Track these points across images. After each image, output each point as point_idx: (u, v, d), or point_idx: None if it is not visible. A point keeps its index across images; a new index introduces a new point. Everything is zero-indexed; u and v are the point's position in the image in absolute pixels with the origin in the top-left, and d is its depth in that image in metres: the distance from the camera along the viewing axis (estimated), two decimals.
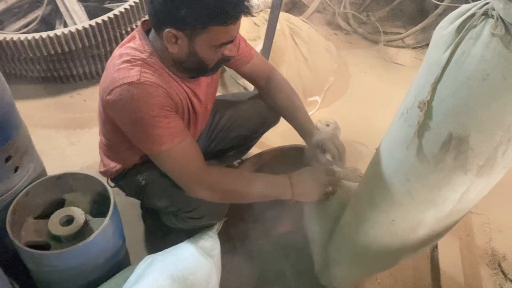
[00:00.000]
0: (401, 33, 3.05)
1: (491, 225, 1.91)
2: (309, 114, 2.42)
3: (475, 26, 0.79)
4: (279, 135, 2.14)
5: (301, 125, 1.47)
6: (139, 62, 1.11)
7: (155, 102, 1.08)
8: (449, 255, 1.69)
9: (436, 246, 1.74)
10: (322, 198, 1.29)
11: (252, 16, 2.73)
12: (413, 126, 0.95)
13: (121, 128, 1.16)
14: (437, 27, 0.90)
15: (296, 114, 1.49)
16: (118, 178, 1.43)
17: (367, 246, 1.24)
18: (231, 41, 1.11)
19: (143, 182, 1.33)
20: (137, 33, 1.17)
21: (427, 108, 0.91)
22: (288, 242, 1.63)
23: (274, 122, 1.64)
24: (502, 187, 2.05)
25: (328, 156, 1.41)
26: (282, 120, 1.69)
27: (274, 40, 2.37)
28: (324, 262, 1.43)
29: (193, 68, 1.16)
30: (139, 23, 2.37)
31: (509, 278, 1.71)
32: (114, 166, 1.39)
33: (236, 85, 2.39)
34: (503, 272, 1.73)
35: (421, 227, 1.13)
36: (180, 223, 1.35)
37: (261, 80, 1.49)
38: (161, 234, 1.59)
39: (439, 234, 1.22)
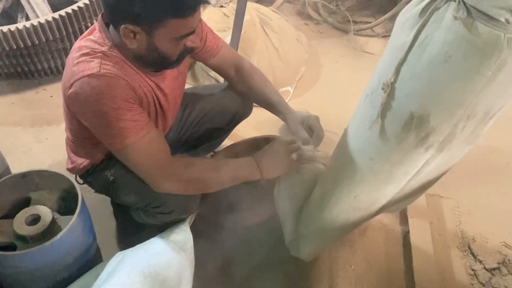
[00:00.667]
0: (371, 22, 3.08)
1: (460, 209, 1.95)
2: (285, 101, 2.45)
3: (438, 9, 0.80)
4: (252, 127, 2.13)
5: (279, 106, 1.47)
6: (99, 54, 1.08)
7: (117, 94, 1.05)
8: (420, 240, 1.72)
9: (408, 231, 1.77)
10: (290, 168, 1.30)
11: (222, 6, 2.70)
12: (377, 108, 0.98)
13: (84, 122, 1.13)
14: (402, 11, 0.91)
15: (272, 96, 1.49)
16: (86, 175, 1.39)
17: (331, 221, 1.28)
18: (192, 32, 1.09)
19: (111, 178, 1.30)
20: (97, 25, 1.14)
21: (390, 89, 0.93)
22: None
23: (246, 113, 1.62)
24: (470, 171, 2.11)
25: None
26: (254, 111, 1.68)
27: (244, 31, 2.36)
28: (294, 236, 1.45)
29: (155, 62, 1.13)
30: None
31: (478, 259, 1.75)
32: (81, 162, 1.35)
33: (208, 77, 2.36)
34: (472, 254, 1.77)
35: (380, 200, 1.18)
36: (150, 219, 1.33)
37: (230, 71, 1.47)
38: (133, 231, 1.56)
39: (397, 202, 1.26)
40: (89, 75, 1.04)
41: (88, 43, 1.10)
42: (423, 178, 1.12)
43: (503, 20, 0.70)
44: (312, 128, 1.40)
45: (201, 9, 2.61)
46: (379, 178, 1.08)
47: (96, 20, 2.32)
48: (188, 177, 1.19)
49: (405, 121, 0.91)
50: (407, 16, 0.88)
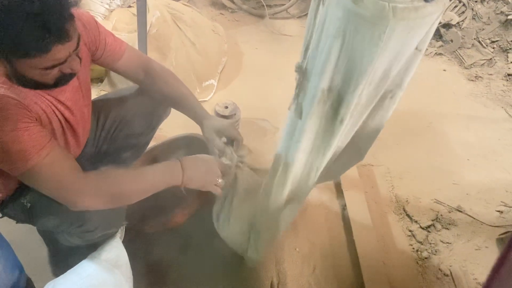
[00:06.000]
0: (284, 4, 3.10)
1: (391, 174, 2.02)
2: (207, 98, 2.43)
3: None
4: (180, 127, 2.07)
5: (193, 110, 1.42)
6: None
7: (9, 116, 0.96)
8: (357, 210, 1.77)
9: (345, 205, 1.81)
10: (211, 189, 1.26)
11: (130, 6, 2.61)
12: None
13: None
14: None
15: (186, 100, 1.43)
16: (3, 206, 1.28)
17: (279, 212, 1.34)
18: (62, 63, 1.00)
19: (28, 205, 1.21)
20: None
21: (303, 70, 0.94)
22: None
23: (163, 113, 1.56)
24: (396, 136, 2.20)
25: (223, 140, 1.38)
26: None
27: (156, 29, 2.29)
28: (245, 244, 1.46)
29: (31, 85, 1.04)
30: None
31: (414, 219, 1.83)
32: None
33: (126, 82, 2.26)
34: (408, 215, 1.85)
35: (312, 173, 1.21)
36: (76, 240, 1.25)
37: (139, 74, 1.40)
38: (66, 255, 1.47)
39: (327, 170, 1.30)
40: None
41: None
42: (340, 146, 1.18)
43: None
44: (232, 138, 1.37)
45: (108, 11, 2.51)
46: (306, 155, 1.11)
47: None
48: (105, 191, 1.10)
49: (318, 98, 0.93)
50: None
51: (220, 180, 1.24)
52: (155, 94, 1.43)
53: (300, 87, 0.98)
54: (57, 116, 1.12)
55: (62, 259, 1.53)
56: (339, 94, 0.91)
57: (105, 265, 1.18)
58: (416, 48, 0.84)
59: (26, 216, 1.26)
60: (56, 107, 1.11)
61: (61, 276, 1.19)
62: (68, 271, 1.20)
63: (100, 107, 1.43)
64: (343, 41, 0.80)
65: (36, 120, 1.03)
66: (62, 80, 1.07)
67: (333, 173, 1.51)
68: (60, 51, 0.97)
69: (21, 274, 1.30)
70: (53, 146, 1.03)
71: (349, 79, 0.87)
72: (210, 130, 1.36)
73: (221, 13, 3.18)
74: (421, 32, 0.78)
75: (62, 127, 1.16)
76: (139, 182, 1.14)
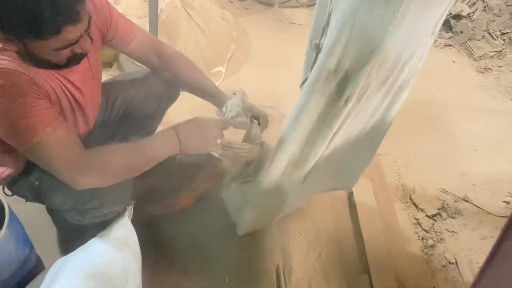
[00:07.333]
0: None
1: (398, 163, 2.02)
2: (215, 85, 2.42)
3: None
4: (190, 112, 2.08)
5: (212, 94, 1.43)
6: None
7: (18, 91, 0.97)
8: (364, 198, 1.77)
9: (352, 192, 1.81)
10: (211, 150, 1.26)
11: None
12: (308, 68, 0.99)
13: None
14: None
15: (202, 83, 1.44)
16: (12, 184, 1.30)
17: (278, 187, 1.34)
18: (74, 43, 1.01)
19: (37, 183, 1.22)
20: None
21: (320, 48, 0.94)
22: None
23: (173, 96, 1.57)
24: (403, 126, 2.19)
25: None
26: (188, 95, 1.63)
27: (165, 15, 2.29)
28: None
29: (43, 65, 1.05)
30: None
31: (420, 208, 1.83)
32: (2, 171, 1.25)
33: (134, 67, 2.27)
34: (414, 204, 1.85)
35: (311, 156, 1.20)
36: (84, 217, 1.26)
37: (152, 57, 1.40)
38: (76, 234, 1.49)
39: (330, 159, 1.30)
40: None
41: None
42: (350, 133, 1.15)
43: None
44: (258, 116, 1.39)
45: None
46: (305, 133, 1.11)
47: None
48: (106, 167, 1.11)
49: (324, 76, 0.92)
50: None
51: (219, 141, 1.23)
52: (171, 76, 1.43)
53: (313, 66, 0.98)
54: (66, 95, 1.13)
55: (71, 239, 1.55)
56: (346, 73, 0.91)
57: (115, 243, 1.19)
58: (432, 33, 0.83)
59: (34, 194, 1.27)
60: (66, 87, 1.12)
61: (71, 253, 1.20)
62: (78, 249, 1.21)
63: (109, 88, 1.44)
64: (355, 20, 0.80)
65: (45, 97, 1.04)
66: (74, 60, 1.08)
67: (349, 174, 1.50)
68: (71, 32, 0.98)
69: (31, 252, 1.32)
70: (59, 124, 1.04)
71: (358, 58, 0.87)
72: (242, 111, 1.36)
73: (230, 1, 3.18)
74: (436, 13, 0.78)
75: (72, 106, 1.17)
76: (139, 155, 1.14)
